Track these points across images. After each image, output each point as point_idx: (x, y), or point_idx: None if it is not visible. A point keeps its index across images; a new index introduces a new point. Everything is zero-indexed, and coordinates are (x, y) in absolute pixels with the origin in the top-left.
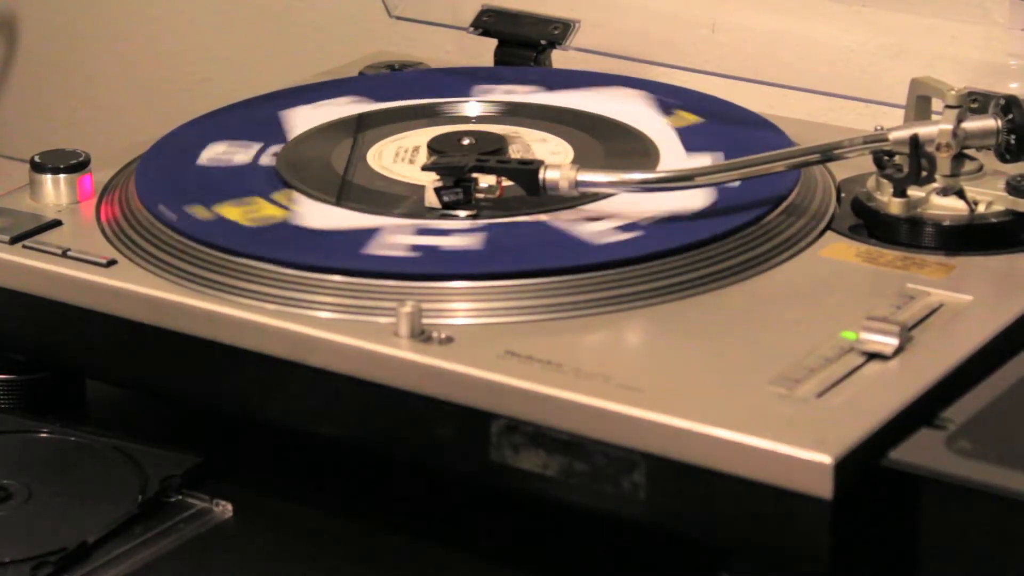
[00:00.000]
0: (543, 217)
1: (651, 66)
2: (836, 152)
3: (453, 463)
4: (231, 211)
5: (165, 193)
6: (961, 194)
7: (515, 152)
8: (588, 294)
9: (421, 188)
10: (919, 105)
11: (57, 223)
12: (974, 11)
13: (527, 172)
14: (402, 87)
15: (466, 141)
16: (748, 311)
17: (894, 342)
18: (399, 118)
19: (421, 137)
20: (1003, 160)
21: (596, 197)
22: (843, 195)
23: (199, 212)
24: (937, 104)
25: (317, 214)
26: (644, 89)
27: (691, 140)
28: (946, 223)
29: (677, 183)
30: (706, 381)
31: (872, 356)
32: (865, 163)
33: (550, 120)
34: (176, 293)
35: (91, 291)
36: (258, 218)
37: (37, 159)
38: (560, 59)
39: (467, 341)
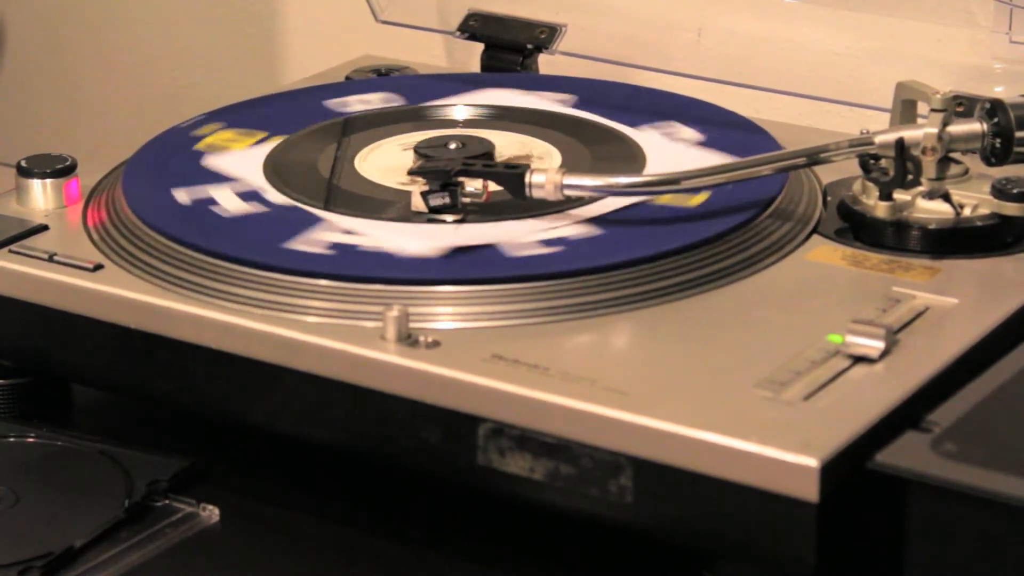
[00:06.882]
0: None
1: (638, 70)
2: (822, 156)
3: (440, 466)
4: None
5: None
6: (947, 197)
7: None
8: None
9: (408, 193)
10: (905, 109)
11: (44, 228)
12: (959, 15)
13: (513, 176)
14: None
15: (452, 145)
16: (734, 314)
17: (880, 345)
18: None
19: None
20: (988, 164)
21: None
22: (829, 198)
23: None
24: (923, 108)
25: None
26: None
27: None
28: (932, 226)
29: (663, 187)
30: (692, 384)
31: (858, 359)
32: (851, 166)
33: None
34: (163, 297)
35: (78, 296)
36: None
37: (24, 164)
38: (547, 63)
39: (454, 345)
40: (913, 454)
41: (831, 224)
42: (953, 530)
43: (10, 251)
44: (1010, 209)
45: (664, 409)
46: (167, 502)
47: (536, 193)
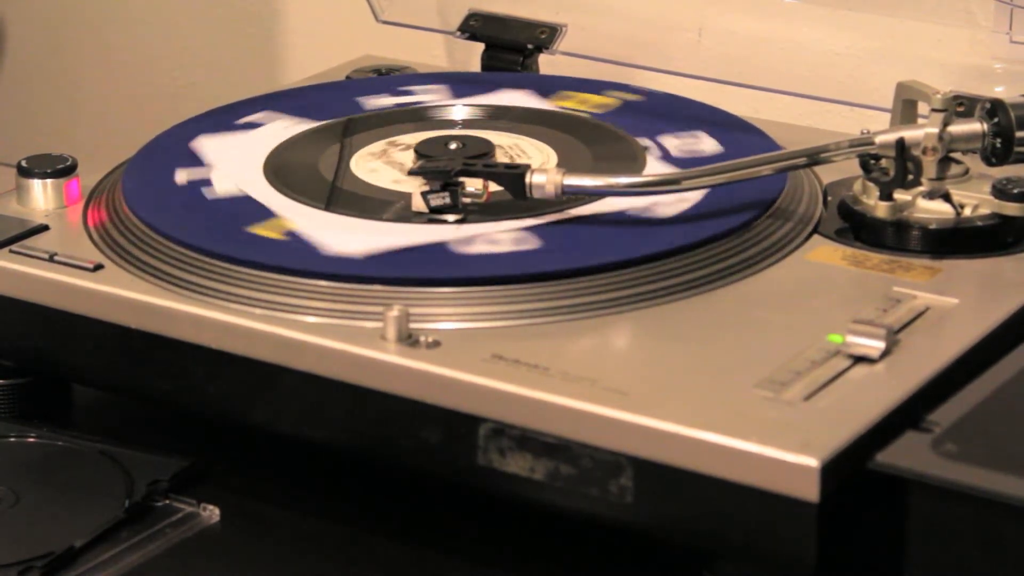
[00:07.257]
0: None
1: (638, 70)
2: (822, 156)
3: (440, 467)
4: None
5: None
6: (947, 197)
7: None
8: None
9: (408, 193)
10: (905, 109)
11: (44, 228)
12: (959, 15)
13: (514, 176)
14: None
15: (453, 145)
16: (735, 315)
17: (880, 345)
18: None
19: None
20: (989, 164)
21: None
22: (829, 198)
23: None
24: (923, 108)
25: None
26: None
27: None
28: (932, 226)
29: (664, 187)
30: (693, 384)
31: (858, 359)
32: (851, 166)
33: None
34: (163, 297)
35: (78, 296)
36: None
37: (24, 164)
38: (547, 63)
39: (454, 345)
40: (913, 454)
41: (831, 224)
42: (953, 530)
43: (10, 251)
44: (1010, 209)
45: (664, 409)
46: (167, 502)
47: (536, 193)
